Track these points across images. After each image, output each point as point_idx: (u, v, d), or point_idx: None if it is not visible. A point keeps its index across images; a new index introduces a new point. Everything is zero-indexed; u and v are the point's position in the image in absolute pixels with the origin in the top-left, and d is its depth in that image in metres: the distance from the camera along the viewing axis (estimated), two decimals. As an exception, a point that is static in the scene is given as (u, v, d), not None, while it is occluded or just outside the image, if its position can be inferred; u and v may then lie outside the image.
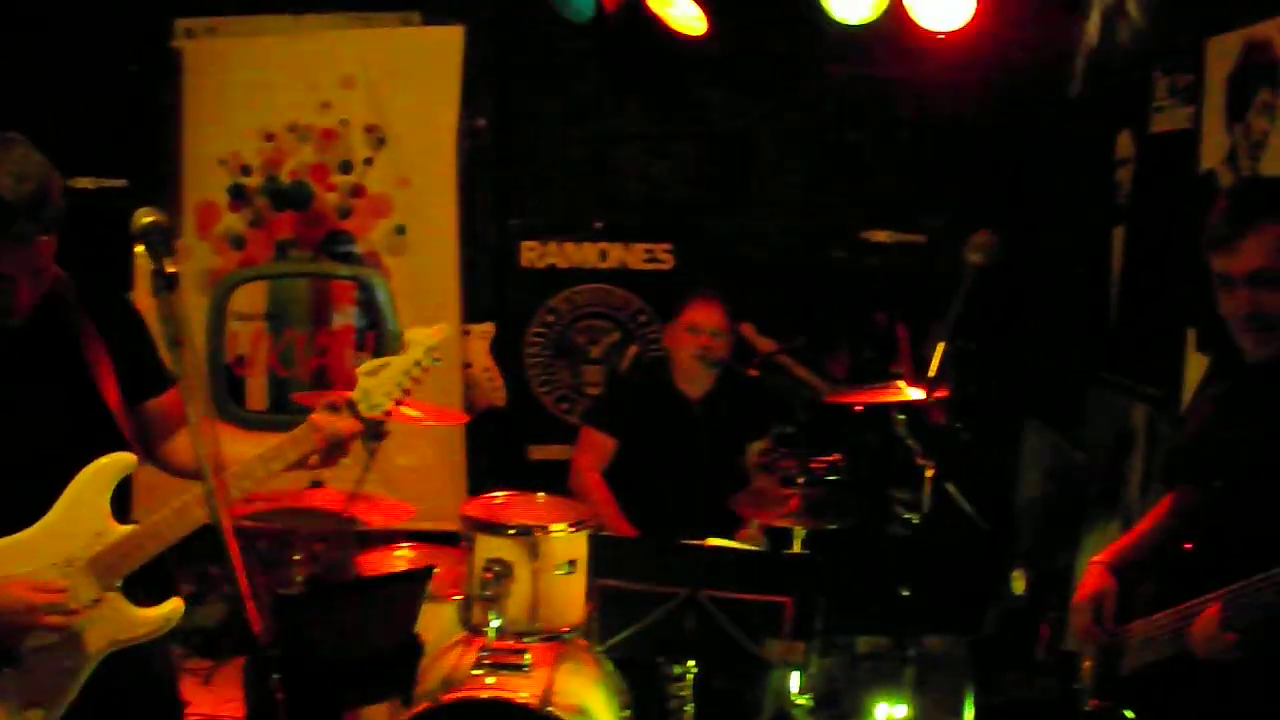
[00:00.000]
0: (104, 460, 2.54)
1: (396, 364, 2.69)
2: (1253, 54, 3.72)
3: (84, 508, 2.52)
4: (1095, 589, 2.93)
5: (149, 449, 2.79)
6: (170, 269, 2.26)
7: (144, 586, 2.55)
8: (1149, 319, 4.39)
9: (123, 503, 2.59)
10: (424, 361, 2.70)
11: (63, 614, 2.45)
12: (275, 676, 1.86)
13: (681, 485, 4.41)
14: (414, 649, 2.46)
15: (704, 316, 4.43)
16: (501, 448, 5.35)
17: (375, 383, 2.67)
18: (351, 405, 2.65)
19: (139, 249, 2.28)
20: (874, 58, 4.94)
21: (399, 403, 2.70)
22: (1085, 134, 4.90)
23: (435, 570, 3.45)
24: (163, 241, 2.30)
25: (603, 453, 4.51)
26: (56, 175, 2.43)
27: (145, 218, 2.30)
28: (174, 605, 2.56)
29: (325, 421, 2.63)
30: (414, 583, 2.47)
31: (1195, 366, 4.00)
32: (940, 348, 3.38)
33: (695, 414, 4.52)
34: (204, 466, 2.21)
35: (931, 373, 3.43)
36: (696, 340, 4.42)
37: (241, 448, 2.63)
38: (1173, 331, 4.10)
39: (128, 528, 2.55)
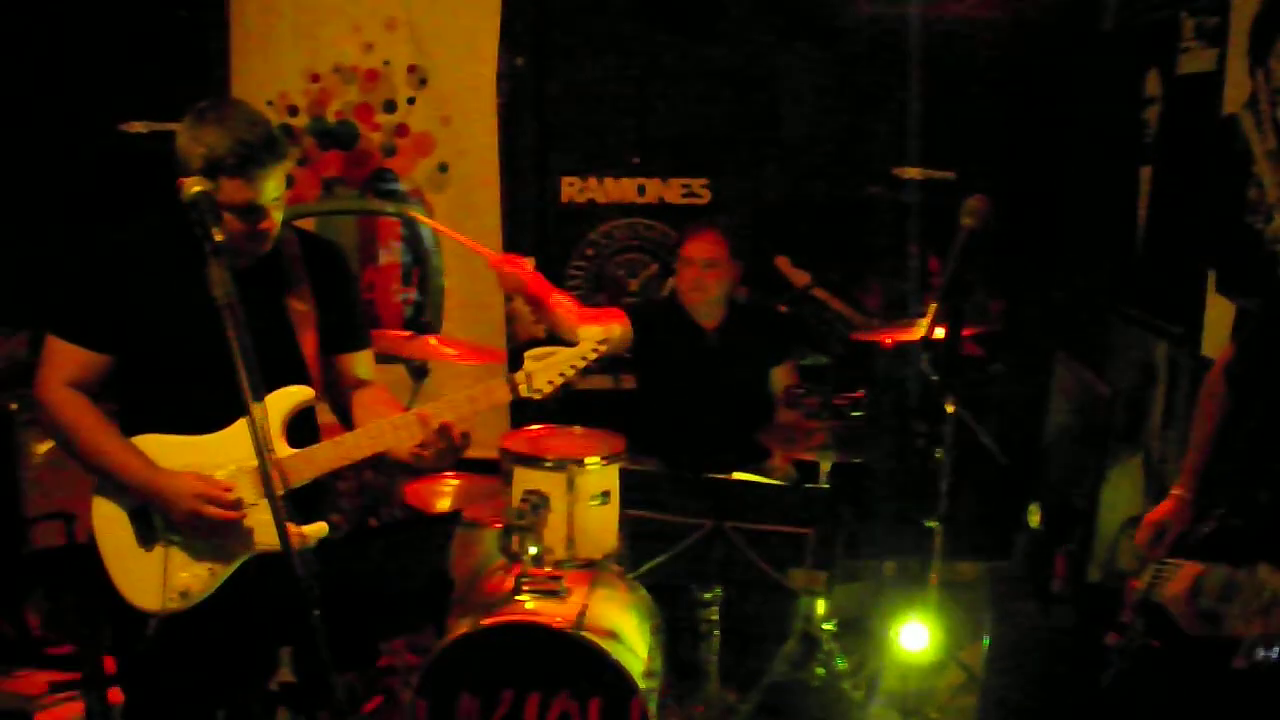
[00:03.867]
0: (286, 389, 2.91)
1: (564, 354, 2.99)
2: (1277, -1, 3.77)
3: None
4: (1163, 515, 3.12)
5: (334, 398, 3.20)
6: (219, 237, 2.48)
7: (301, 506, 2.77)
8: (1172, 258, 4.46)
9: (302, 431, 2.96)
10: (589, 355, 3.01)
11: (221, 507, 2.80)
12: (316, 612, 2.04)
13: (703, 414, 4.55)
14: (444, 585, 2.66)
15: (695, 249, 4.54)
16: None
17: (540, 367, 2.98)
18: (513, 384, 2.97)
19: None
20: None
21: (558, 388, 3.00)
22: (1115, 71, 4.93)
23: (462, 513, 3.74)
24: (211, 210, 2.54)
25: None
26: (271, 120, 2.86)
27: (194, 188, 2.54)
28: (317, 528, 2.82)
29: (481, 393, 2.95)
30: (443, 525, 2.69)
31: (1215, 306, 4.09)
32: (933, 307, 3.48)
33: (710, 343, 4.64)
34: (254, 427, 2.42)
35: (925, 332, 3.53)
36: (690, 272, 4.54)
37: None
38: (1194, 271, 4.18)
39: (289, 451, 2.88)
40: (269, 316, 2.94)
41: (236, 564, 2.89)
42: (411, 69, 5.41)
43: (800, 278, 5.32)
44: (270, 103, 5.41)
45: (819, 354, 5.25)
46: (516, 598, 3.78)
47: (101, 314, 2.89)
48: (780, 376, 4.68)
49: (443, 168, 5.47)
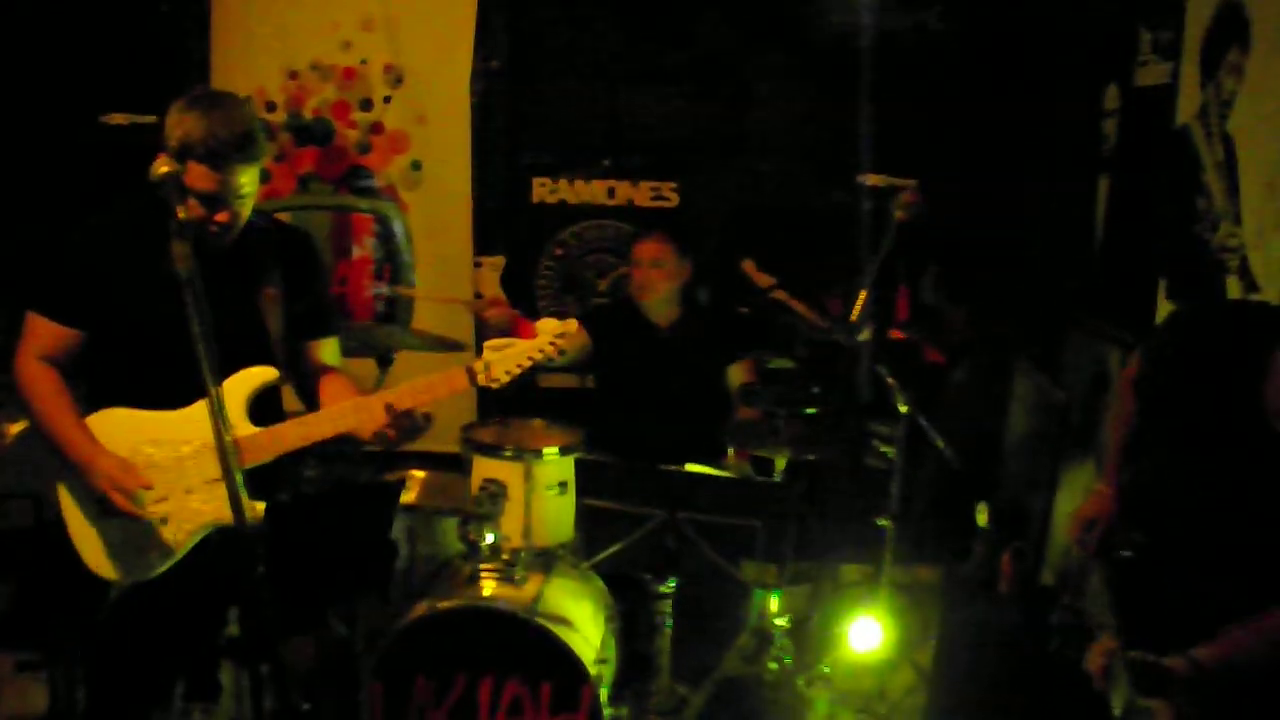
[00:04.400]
0: (251, 370, 3.01)
1: (521, 345, 3.07)
2: (1226, 14, 3.85)
3: (229, 403, 2.84)
4: (1091, 511, 3.28)
5: (301, 383, 3.30)
6: (181, 214, 2.55)
7: (262, 484, 2.86)
8: (1127, 266, 4.55)
9: (266, 412, 3.05)
10: (547, 348, 3.08)
11: (127, 498, 2.89)
12: (260, 569, 2.11)
13: (658, 410, 4.66)
14: (389, 552, 2.72)
15: (643, 251, 4.72)
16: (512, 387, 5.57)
17: (499, 357, 3.05)
18: (471, 372, 3.03)
19: None
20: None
21: (515, 378, 3.06)
22: (1075, 84, 5.03)
23: (406, 483, 3.97)
24: (176, 190, 2.61)
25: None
26: (258, 124, 2.96)
27: (161, 168, 2.62)
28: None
29: (440, 379, 3.01)
30: (389, 491, 2.77)
31: (1166, 313, 4.18)
32: (863, 295, 3.58)
33: (663, 339, 4.78)
34: (212, 403, 2.49)
35: (853, 318, 3.63)
36: (638, 273, 4.72)
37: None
38: (1147, 279, 4.27)
39: (253, 429, 2.97)
40: (239, 300, 3.04)
41: (197, 538, 2.97)
42: (388, 68, 5.51)
43: (765, 281, 5.39)
44: (248, 98, 5.48)
45: (783, 357, 5.33)
46: (473, 583, 3.86)
47: (73, 290, 3.01)
48: (737, 374, 4.78)
49: (416, 165, 5.56)
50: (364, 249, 5.64)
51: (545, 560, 4.05)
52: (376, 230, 5.61)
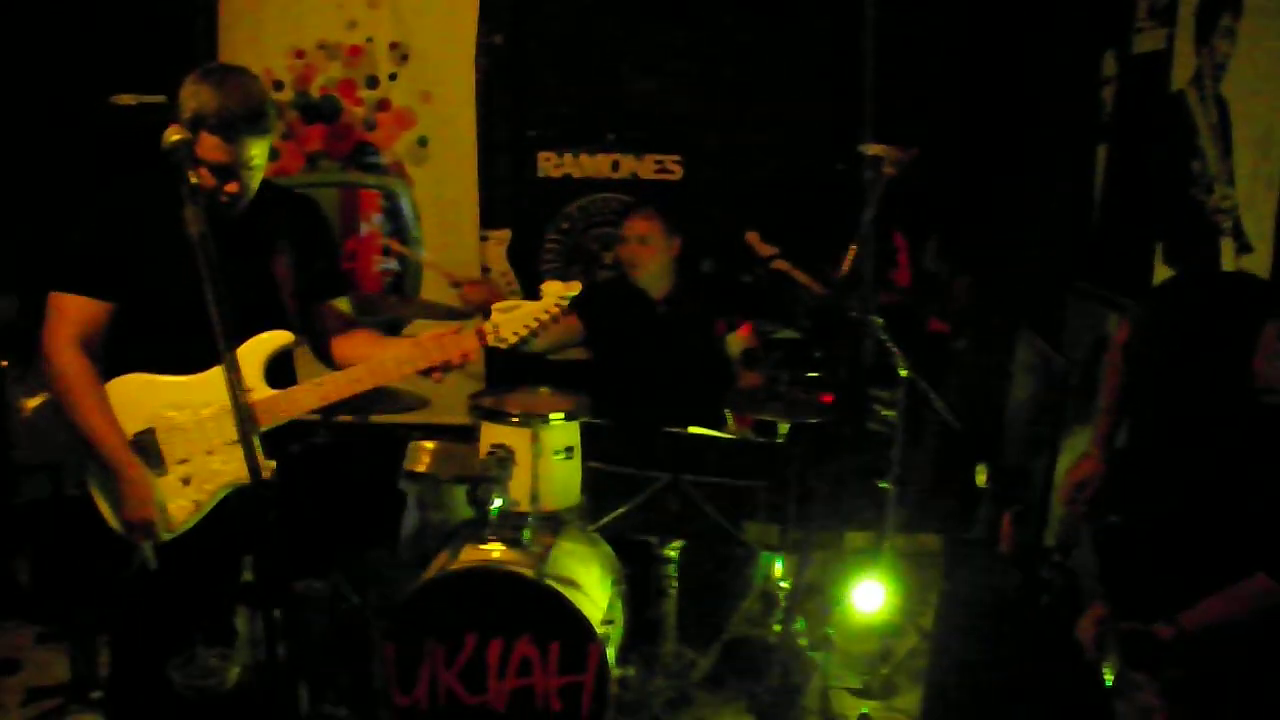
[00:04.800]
0: (265, 334, 3.10)
1: (528, 307, 3.12)
2: (1219, -23, 3.91)
3: (244, 367, 2.88)
4: (1081, 473, 3.40)
5: (316, 344, 3.39)
6: (194, 180, 2.60)
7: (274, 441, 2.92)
8: (1125, 231, 4.60)
9: (280, 374, 3.14)
10: (552, 310, 3.12)
11: (144, 533, 2.99)
12: (274, 516, 2.16)
13: (656, 380, 4.74)
14: (396, 501, 2.77)
15: (629, 228, 4.82)
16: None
17: (506, 319, 3.11)
18: (481, 333, 3.11)
19: None
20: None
21: (523, 339, 3.13)
22: (1073, 51, 5.08)
23: (417, 454, 4.00)
24: (188, 158, 2.65)
25: (574, 332, 4.85)
26: (269, 98, 3.07)
27: (173, 136, 2.66)
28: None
29: (451, 341, 3.10)
30: (393, 441, 2.80)
31: (1162, 277, 4.23)
32: (852, 250, 3.65)
33: (659, 312, 4.85)
34: (227, 366, 2.55)
35: (843, 271, 3.70)
36: (627, 249, 4.82)
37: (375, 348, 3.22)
38: (1145, 244, 4.33)
39: (270, 392, 3.07)
40: (252, 267, 3.13)
41: (218, 498, 3.08)
42: (393, 45, 5.56)
43: (768, 251, 5.43)
44: (256, 77, 5.54)
45: (786, 327, 5.38)
46: (482, 545, 3.94)
47: (98, 263, 3.09)
48: (736, 342, 4.85)
49: (423, 142, 5.62)
50: (371, 224, 5.70)
51: (552, 524, 4.12)
52: (384, 206, 5.67)
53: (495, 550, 3.90)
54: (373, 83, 5.59)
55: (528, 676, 3.79)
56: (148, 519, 3.00)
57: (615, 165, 5.66)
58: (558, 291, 3.14)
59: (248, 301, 2.85)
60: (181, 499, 3.08)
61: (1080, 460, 3.46)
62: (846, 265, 3.82)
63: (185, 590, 3.10)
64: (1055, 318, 5.14)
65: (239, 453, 2.81)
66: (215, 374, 2.98)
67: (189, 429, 3.09)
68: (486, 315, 3.13)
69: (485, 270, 5.57)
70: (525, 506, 4.05)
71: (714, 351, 4.85)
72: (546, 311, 3.11)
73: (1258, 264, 3.55)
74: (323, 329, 3.39)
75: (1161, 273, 4.21)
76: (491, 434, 4.09)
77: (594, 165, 5.66)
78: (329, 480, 2.66)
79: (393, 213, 5.64)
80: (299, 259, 3.24)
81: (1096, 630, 2.95)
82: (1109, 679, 2.88)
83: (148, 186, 3.12)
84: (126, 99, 5.44)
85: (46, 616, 4.73)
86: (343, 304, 3.45)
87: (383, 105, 5.61)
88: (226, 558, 3.11)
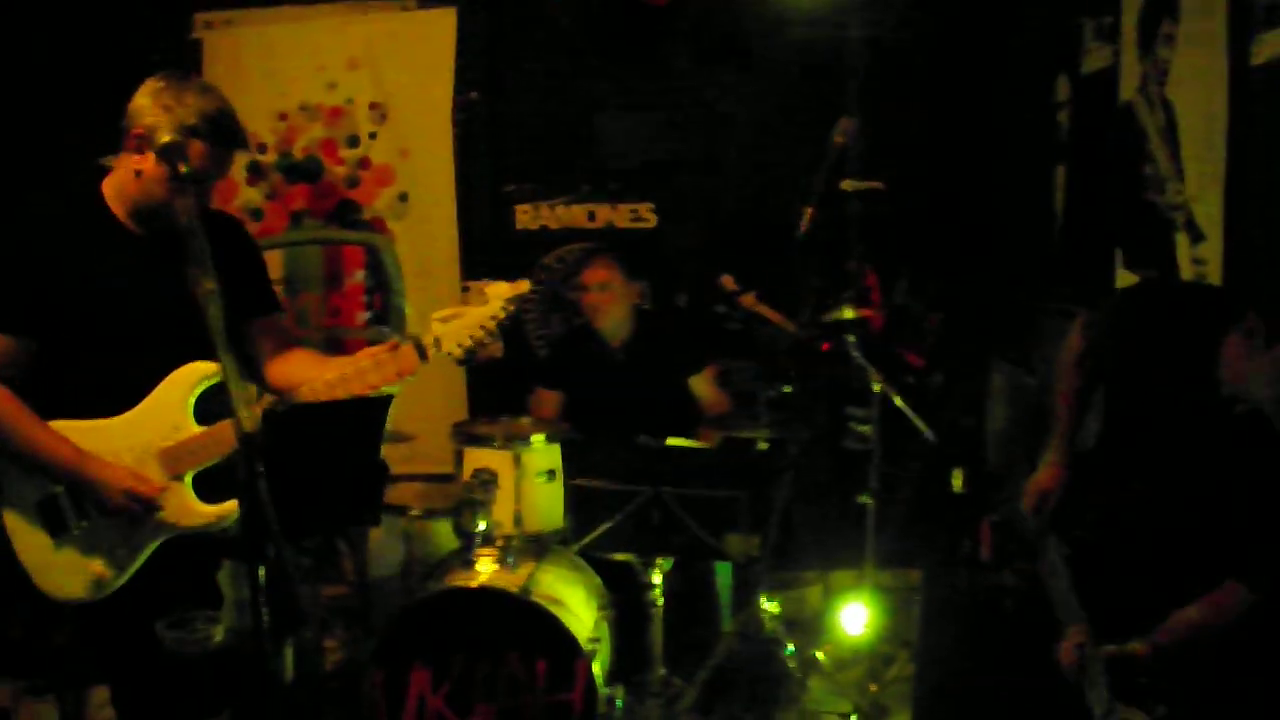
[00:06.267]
0: (190, 366, 2.85)
1: (472, 314, 2.91)
2: (1158, -10, 4.09)
3: (167, 404, 2.83)
4: (1042, 483, 3.42)
5: (251, 367, 3.10)
6: (184, 169, 2.61)
7: (214, 487, 2.82)
8: (1085, 244, 4.72)
9: (212, 407, 2.86)
10: (498, 314, 2.90)
11: (142, 506, 2.78)
12: (260, 468, 2.15)
13: (622, 429, 4.57)
14: (379, 473, 2.75)
15: (589, 276, 4.83)
16: (502, 396, 5.68)
17: (448, 329, 2.90)
18: (420, 347, 2.89)
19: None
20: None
21: (470, 351, 2.91)
22: (1027, 80, 5.25)
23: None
24: (179, 153, 2.67)
25: (553, 406, 4.89)
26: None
27: (164, 137, 2.70)
28: (230, 505, 2.81)
29: (387, 359, 2.87)
30: (375, 408, 2.75)
31: (1124, 283, 4.34)
32: (808, 213, 3.76)
33: (617, 360, 4.86)
34: (229, 380, 2.34)
35: (802, 231, 3.82)
36: (589, 298, 4.82)
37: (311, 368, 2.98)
38: (1105, 253, 4.44)
39: (200, 428, 2.83)
40: (174, 289, 2.78)
41: (153, 547, 2.85)
42: (373, 106, 5.71)
43: (748, 299, 5.53)
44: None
45: (778, 383, 5.43)
46: (467, 567, 3.97)
47: (21, 295, 2.82)
48: (701, 386, 4.86)
49: (403, 197, 5.76)
50: (354, 280, 5.81)
51: (537, 547, 4.17)
52: (366, 261, 5.79)
53: (481, 571, 3.94)
54: (354, 142, 5.74)
55: (515, 697, 3.80)
56: (133, 487, 2.77)
57: (591, 215, 5.78)
58: (503, 294, 2.94)
59: (171, 329, 2.75)
60: (111, 555, 2.84)
61: (1041, 470, 3.47)
62: (804, 226, 3.93)
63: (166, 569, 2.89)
64: (1027, 341, 5.23)
65: (169, 498, 2.76)
66: (137, 414, 2.83)
67: None
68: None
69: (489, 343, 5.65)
70: (509, 529, 4.10)
71: (678, 397, 4.85)
72: (493, 318, 2.92)
73: (1211, 250, 3.66)
74: (255, 351, 3.12)
75: (1123, 278, 4.31)
76: (474, 458, 4.16)
77: (570, 216, 5.79)
78: (311, 440, 2.61)
79: (375, 267, 5.76)
80: (228, 277, 2.78)
81: (1078, 656, 2.97)
82: (1097, 709, 2.90)
83: (70, 210, 2.89)
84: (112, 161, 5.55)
85: (34, 670, 4.72)
86: (278, 323, 3.18)
87: (364, 163, 5.75)
88: (164, 608, 2.79)
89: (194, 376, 2.86)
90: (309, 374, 2.94)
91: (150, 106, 2.79)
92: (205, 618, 2.49)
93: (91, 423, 2.82)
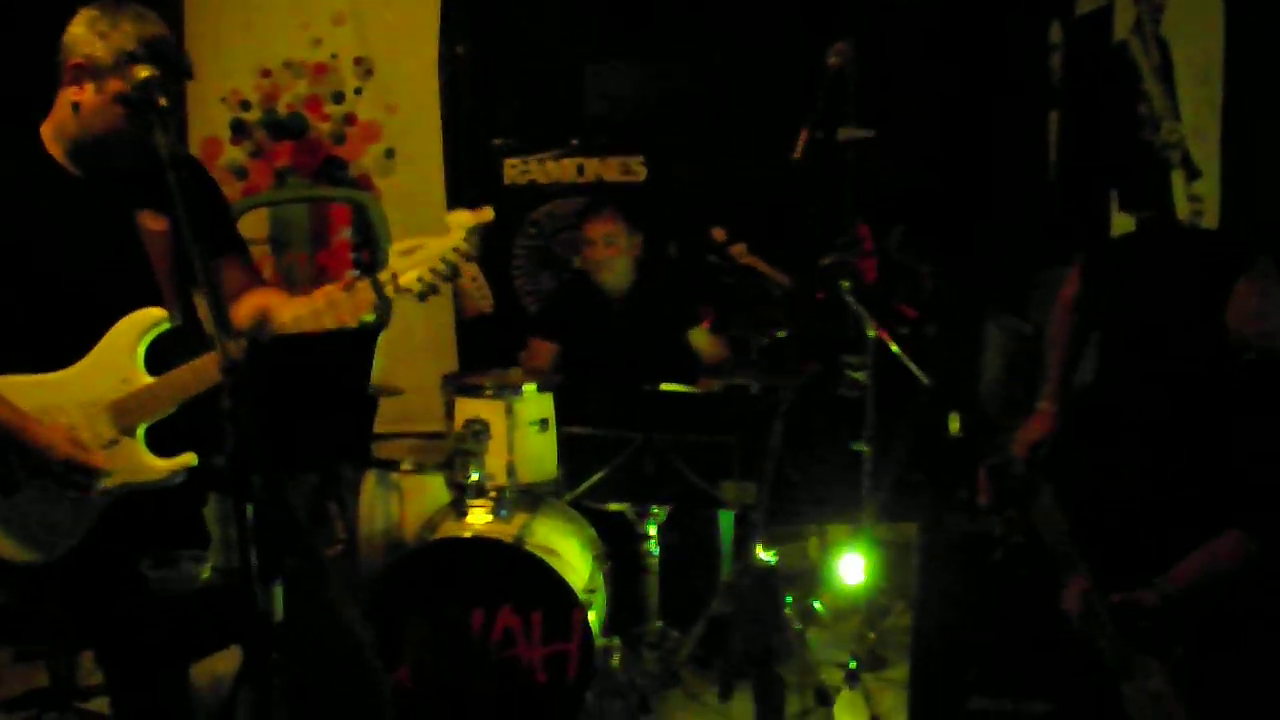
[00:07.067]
0: (137, 313, 2.67)
1: (432, 246, 2.68)
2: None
3: (115, 355, 2.66)
4: (1036, 427, 3.39)
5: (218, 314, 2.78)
6: (163, 102, 2.44)
7: (166, 440, 2.67)
8: (1080, 189, 4.69)
9: (162, 358, 2.68)
10: (463, 247, 2.69)
11: (81, 475, 2.60)
12: (245, 400, 2.09)
13: (619, 381, 4.49)
14: (366, 408, 2.68)
15: (593, 229, 4.75)
16: (492, 352, 5.64)
17: (406, 263, 2.69)
18: (376, 284, 2.68)
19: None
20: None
21: (430, 286, 2.71)
22: (1021, 28, 5.20)
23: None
24: (159, 86, 2.57)
25: (548, 357, 4.83)
26: None
27: (142, 73, 2.60)
28: (184, 459, 2.66)
29: (342, 299, 2.68)
30: (364, 338, 2.66)
31: (1119, 225, 4.31)
32: (803, 135, 3.72)
33: (616, 312, 4.80)
34: (214, 324, 2.24)
35: (797, 155, 3.78)
36: (592, 252, 4.76)
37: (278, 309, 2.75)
38: (1100, 196, 4.41)
39: (150, 379, 2.66)
40: (117, 233, 2.72)
41: (104, 505, 2.69)
42: (358, 61, 5.65)
43: (738, 249, 5.48)
44: (224, 98, 5.64)
45: (778, 330, 5.39)
46: (460, 518, 3.94)
47: None
48: (700, 338, 4.83)
49: (389, 154, 5.70)
50: (341, 237, 5.76)
51: (530, 498, 4.13)
52: (353, 218, 5.73)
53: (474, 521, 3.90)
54: (339, 98, 5.67)
55: (512, 647, 3.76)
56: (73, 455, 2.60)
57: (580, 169, 5.73)
58: (464, 222, 2.72)
59: (114, 275, 2.64)
60: (60, 512, 2.65)
61: (1034, 416, 3.44)
62: (799, 150, 3.89)
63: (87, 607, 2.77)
64: (1024, 289, 5.19)
65: (120, 453, 2.61)
66: (83, 366, 2.67)
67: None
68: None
69: (455, 276, 5.60)
70: (502, 479, 4.06)
71: (676, 350, 4.82)
72: (455, 249, 2.71)
73: (1207, 188, 3.63)
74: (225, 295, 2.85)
75: (1118, 219, 4.28)
76: (466, 408, 4.11)
77: (559, 170, 5.73)
78: (298, 369, 2.53)
79: (362, 224, 5.70)
80: (176, 217, 2.56)
81: (1084, 604, 2.94)
82: (1109, 656, 2.87)
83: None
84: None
85: (22, 636, 4.67)
86: (243, 264, 2.98)
87: (349, 119, 5.69)
88: (125, 568, 2.68)
89: (142, 324, 2.69)
90: (274, 315, 2.75)
91: (86, 35, 2.63)
92: (191, 556, 2.42)
93: (37, 377, 2.66)
